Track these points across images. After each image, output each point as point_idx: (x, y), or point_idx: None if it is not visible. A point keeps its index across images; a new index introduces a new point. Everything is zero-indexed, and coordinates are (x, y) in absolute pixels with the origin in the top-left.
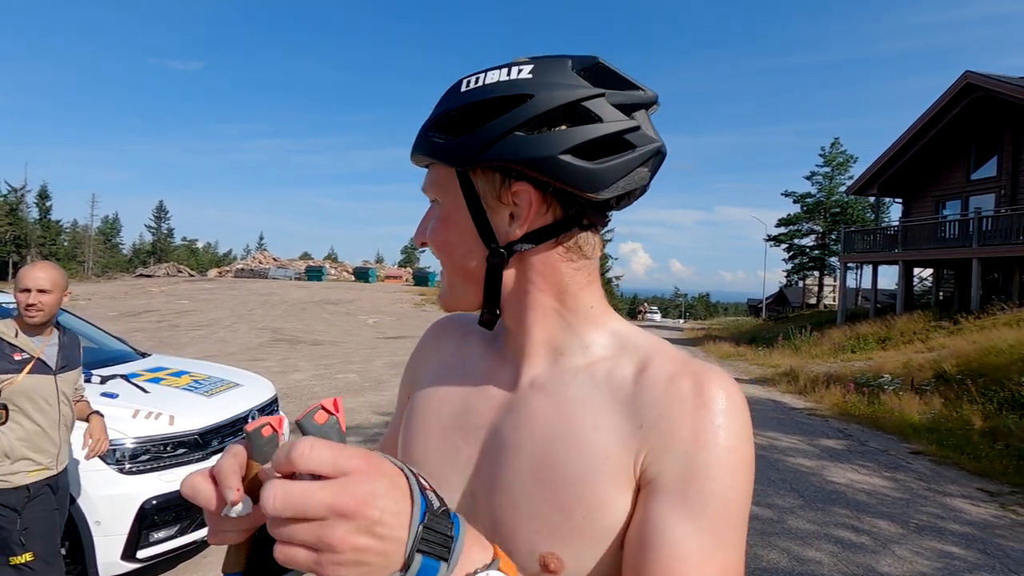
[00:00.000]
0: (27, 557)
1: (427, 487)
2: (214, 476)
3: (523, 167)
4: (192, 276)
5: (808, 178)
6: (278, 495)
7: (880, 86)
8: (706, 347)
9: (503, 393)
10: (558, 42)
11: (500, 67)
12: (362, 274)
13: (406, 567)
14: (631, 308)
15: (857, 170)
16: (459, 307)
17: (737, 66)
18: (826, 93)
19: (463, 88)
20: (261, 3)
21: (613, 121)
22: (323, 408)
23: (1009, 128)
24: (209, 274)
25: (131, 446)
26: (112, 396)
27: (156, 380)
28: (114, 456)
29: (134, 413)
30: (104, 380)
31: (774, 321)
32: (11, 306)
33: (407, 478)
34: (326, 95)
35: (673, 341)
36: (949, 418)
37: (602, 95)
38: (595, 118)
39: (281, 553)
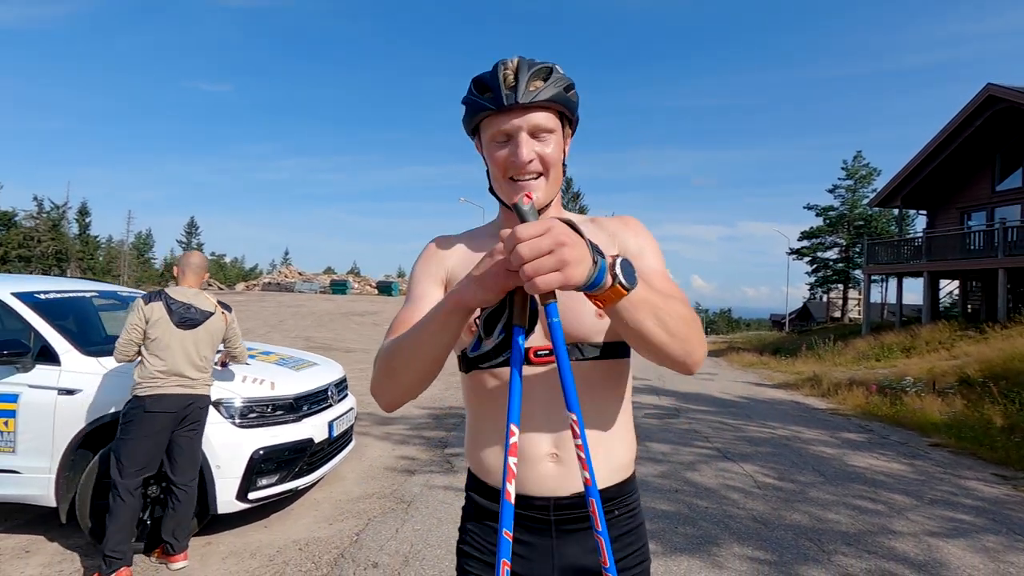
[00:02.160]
0: None
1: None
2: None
3: (574, 117)
4: (221, 289)
5: (831, 191)
6: (529, 246)
7: (902, 98)
8: (729, 357)
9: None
10: (580, 60)
11: (554, 63)
12: (385, 287)
13: (594, 261)
14: None
15: (880, 183)
16: (549, 200)
17: (757, 80)
18: (847, 106)
19: (562, 72)
20: (286, 26)
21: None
22: (526, 196)
23: None
24: (237, 287)
25: (240, 405)
26: (224, 364)
27: (251, 357)
28: (228, 411)
29: (243, 378)
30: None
31: (798, 334)
32: (124, 294)
33: (569, 223)
34: (348, 115)
35: None
36: (970, 417)
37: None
38: (573, 87)
39: (542, 281)
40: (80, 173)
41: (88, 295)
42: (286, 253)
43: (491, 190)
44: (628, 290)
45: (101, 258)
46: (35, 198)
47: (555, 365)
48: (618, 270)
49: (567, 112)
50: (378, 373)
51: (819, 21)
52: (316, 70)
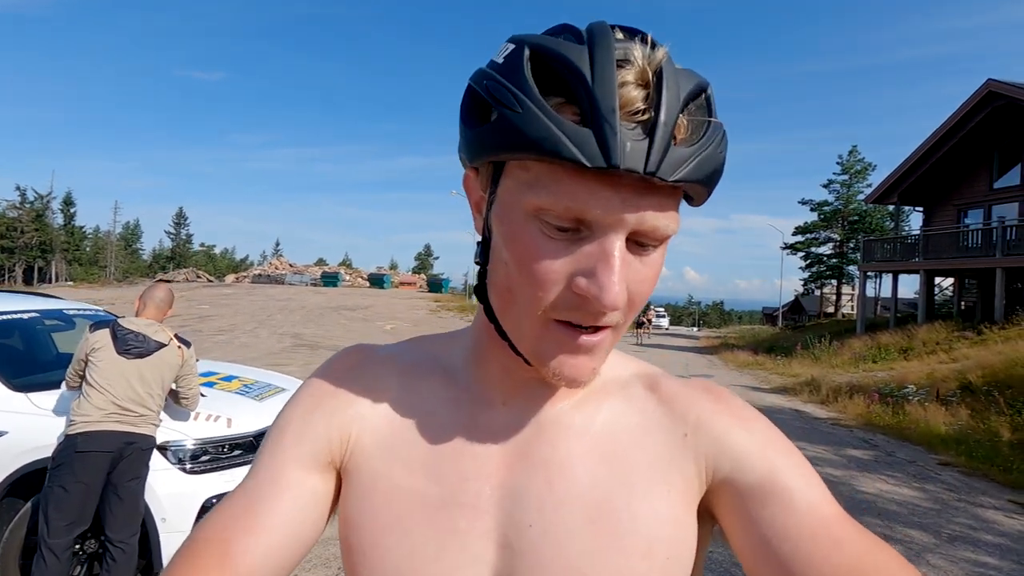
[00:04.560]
0: None
1: None
2: None
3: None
4: (210, 281)
5: (825, 186)
6: None
7: (899, 92)
8: (723, 356)
9: (505, 445)
10: None
11: (708, 83)
12: (377, 280)
13: None
14: (637, 319)
15: (875, 178)
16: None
17: (753, 72)
18: (843, 99)
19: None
20: (281, 14)
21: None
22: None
23: None
24: (227, 279)
25: (192, 447)
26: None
27: (210, 384)
28: (176, 456)
29: (195, 415)
30: None
31: (792, 330)
32: (71, 312)
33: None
34: (343, 105)
35: (689, 350)
36: (976, 429)
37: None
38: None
39: None
40: (65, 163)
41: (26, 316)
42: (277, 244)
43: (477, 292)
44: None
45: (88, 249)
46: (18, 188)
47: None
48: None
49: (704, 197)
50: None
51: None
52: (310, 59)
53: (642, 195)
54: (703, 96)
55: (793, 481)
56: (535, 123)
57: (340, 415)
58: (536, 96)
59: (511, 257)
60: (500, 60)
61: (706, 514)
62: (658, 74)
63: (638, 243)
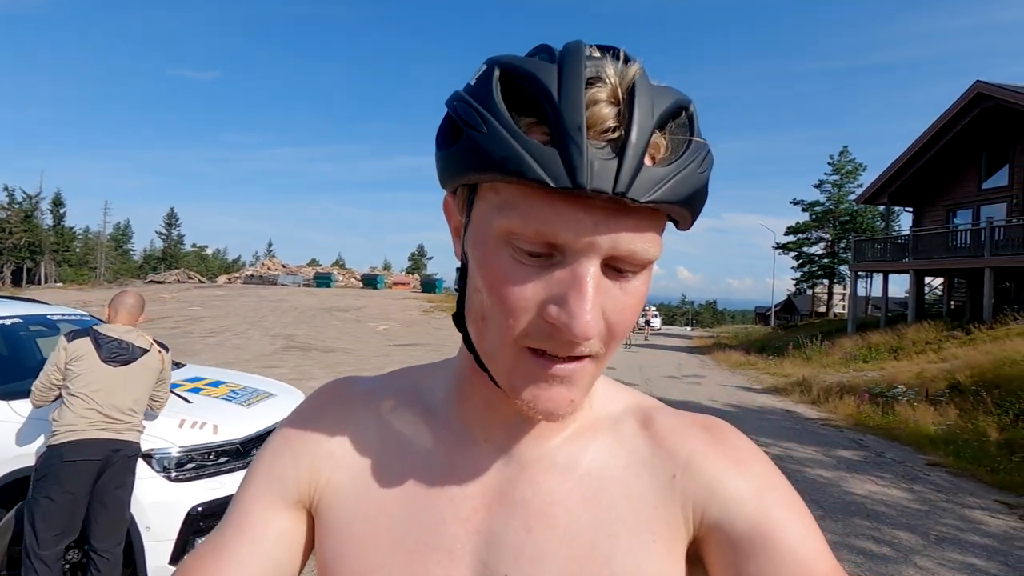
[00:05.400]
0: None
1: None
2: None
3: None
4: (202, 282)
5: (817, 186)
6: None
7: (890, 93)
8: (716, 356)
9: (483, 485)
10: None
11: (689, 99)
12: (370, 281)
13: None
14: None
15: (866, 178)
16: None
17: (745, 72)
18: (835, 100)
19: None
20: (274, 14)
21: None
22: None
23: (1021, 138)
24: (219, 280)
25: (177, 454)
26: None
27: (196, 390)
28: (161, 464)
29: (180, 423)
30: None
31: (784, 329)
32: (55, 318)
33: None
34: (337, 104)
35: (682, 350)
36: (964, 430)
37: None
38: (710, 153)
39: None
40: (55, 163)
41: (8, 322)
42: (270, 245)
43: (455, 320)
44: None
45: (77, 250)
46: (6, 188)
47: None
48: None
49: (689, 220)
50: None
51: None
52: (303, 58)
53: (616, 217)
54: (684, 114)
55: (786, 534)
56: (500, 143)
57: (309, 454)
58: (503, 116)
59: (483, 283)
60: (473, 82)
61: (696, 559)
62: (630, 91)
63: (616, 269)
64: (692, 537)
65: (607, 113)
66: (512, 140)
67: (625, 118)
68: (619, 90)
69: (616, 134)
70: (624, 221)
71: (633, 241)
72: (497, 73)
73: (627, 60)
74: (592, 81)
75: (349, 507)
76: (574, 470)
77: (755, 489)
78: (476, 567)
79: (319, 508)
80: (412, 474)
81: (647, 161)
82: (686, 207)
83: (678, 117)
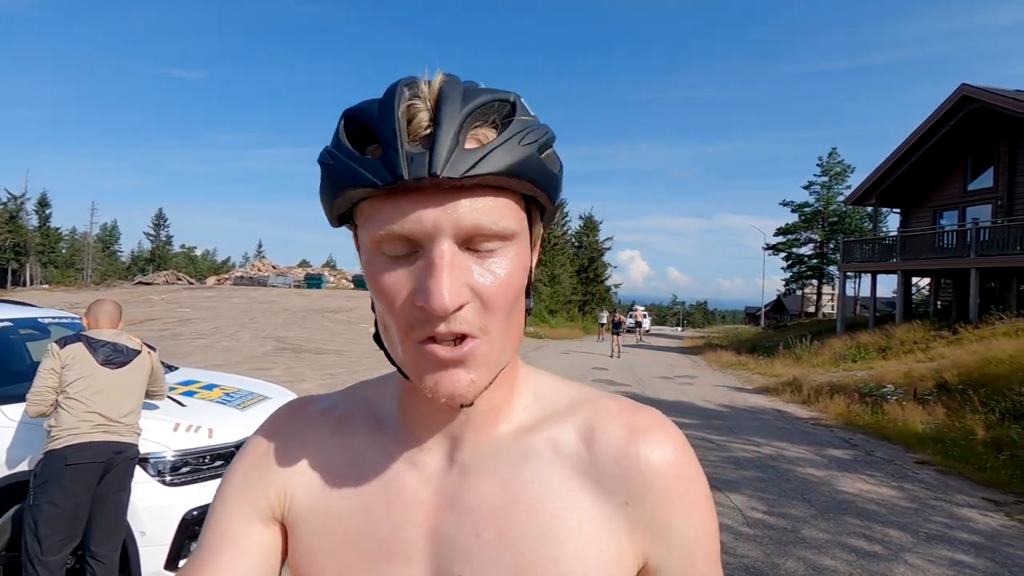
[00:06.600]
0: None
1: None
2: None
3: (551, 202)
4: (191, 284)
5: (806, 188)
6: None
7: (878, 95)
8: (707, 356)
9: (434, 491)
10: (554, 50)
11: (516, 94)
12: (361, 282)
13: None
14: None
15: (854, 180)
16: (491, 379)
17: (736, 74)
18: (824, 102)
19: (531, 113)
20: (264, 13)
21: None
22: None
23: (1005, 140)
24: (208, 282)
25: (172, 458)
26: (152, 408)
27: (190, 394)
28: (156, 468)
29: (175, 426)
30: None
31: (774, 330)
32: (45, 321)
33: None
34: (330, 104)
35: (673, 350)
36: (952, 428)
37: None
38: (551, 143)
39: None
40: (41, 163)
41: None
42: (260, 246)
43: (376, 337)
44: None
45: (64, 251)
46: None
47: None
48: None
49: (540, 194)
50: None
51: (796, 15)
52: (295, 58)
53: (450, 199)
54: (507, 104)
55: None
56: (341, 167)
57: (275, 473)
58: (346, 147)
59: (373, 293)
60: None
61: None
62: (438, 96)
63: (475, 248)
64: (640, 567)
65: (423, 117)
66: (349, 161)
67: (435, 115)
68: (429, 99)
69: (429, 130)
70: (460, 200)
71: (477, 216)
72: (342, 121)
73: (449, 79)
74: (413, 98)
75: (315, 519)
76: (518, 477)
77: (693, 541)
78: (432, 570)
79: (290, 521)
80: (368, 485)
81: (470, 147)
82: (514, 176)
83: (494, 107)
